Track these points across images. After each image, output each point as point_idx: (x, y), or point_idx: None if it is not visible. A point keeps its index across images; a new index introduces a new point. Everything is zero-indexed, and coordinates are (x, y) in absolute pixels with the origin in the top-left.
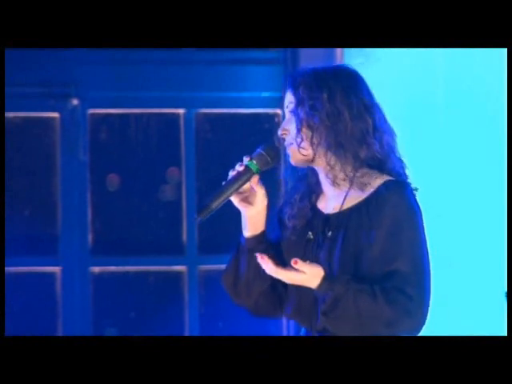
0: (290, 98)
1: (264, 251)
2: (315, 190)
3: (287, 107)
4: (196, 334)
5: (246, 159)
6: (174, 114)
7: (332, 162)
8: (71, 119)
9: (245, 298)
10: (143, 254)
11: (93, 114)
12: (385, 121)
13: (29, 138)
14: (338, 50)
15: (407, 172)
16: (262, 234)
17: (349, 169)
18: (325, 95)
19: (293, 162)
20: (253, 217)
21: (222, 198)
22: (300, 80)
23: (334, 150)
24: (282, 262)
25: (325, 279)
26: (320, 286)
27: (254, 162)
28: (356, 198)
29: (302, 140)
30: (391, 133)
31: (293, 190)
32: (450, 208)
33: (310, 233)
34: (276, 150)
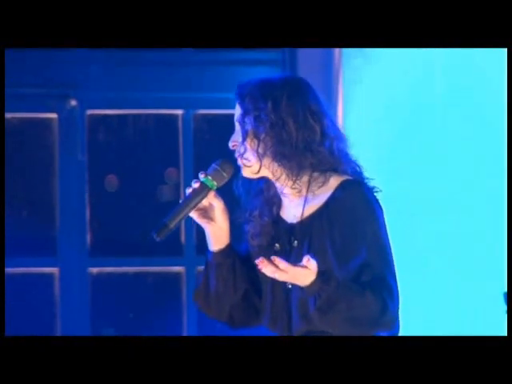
0: (237, 109)
1: (232, 264)
2: (275, 201)
3: (236, 119)
4: (194, 334)
5: (201, 176)
6: (172, 114)
7: (278, 173)
8: (69, 120)
9: (218, 313)
10: (141, 254)
11: (91, 115)
12: (335, 127)
13: (27, 138)
14: (337, 51)
15: (365, 173)
16: (228, 248)
17: (296, 177)
18: (269, 105)
19: (244, 174)
20: (215, 231)
21: (179, 217)
22: (246, 91)
23: (278, 160)
24: (253, 273)
25: (318, 275)
26: (314, 281)
27: (210, 177)
28: (315, 204)
29: (246, 151)
30: (342, 138)
31: (251, 207)
32: (450, 208)
33: (276, 245)
34: (230, 164)
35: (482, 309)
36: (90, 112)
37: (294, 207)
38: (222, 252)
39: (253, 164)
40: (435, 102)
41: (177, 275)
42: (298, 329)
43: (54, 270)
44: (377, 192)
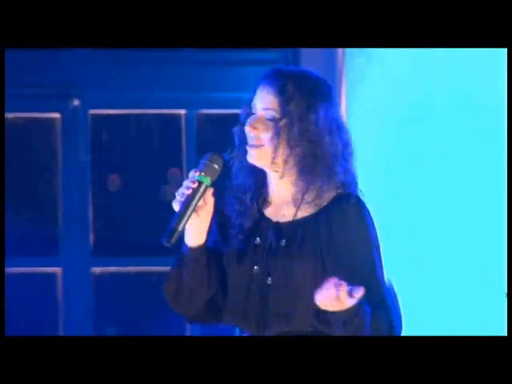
0: (269, 97)
1: (207, 261)
2: (261, 193)
3: (266, 108)
4: (197, 333)
5: (195, 174)
6: (174, 114)
7: (290, 175)
8: (72, 120)
9: (186, 307)
10: (144, 254)
11: (94, 115)
12: (349, 138)
13: (30, 138)
14: (340, 50)
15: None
16: (205, 244)
17: (309, 186)
18: (312, 117)
19: (252, 161)
20: (200, 227)
21: (185, 219)
22: (290, 88)
23: (302, 170)
24: (220, 269)
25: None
26: (353, 306)
27: (203, 174)
28: (309, 207)
29: (266, 145)
30: (353, 150)
31: (241, 187)
32: (450, 208)
33: (258, 238)
34: (218, 156)
35: (482, 309)
36: (92, 112)
37: (284, 206)
38: (201, 248)
39: (266, 155)
40: (436, 102)
41: None
42: (273, 327)
43: (57, 270)
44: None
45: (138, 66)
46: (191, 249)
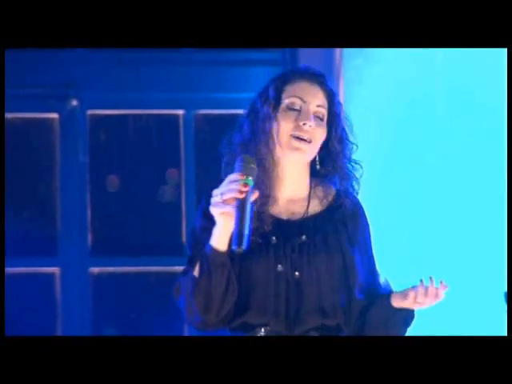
0: (322, 99)
1: (231, 266)
2: (261, 190)
3: (319, 106)
4: (195, 334)
5: (241, 177)
6: (173, 114)
7: (322, 171)
8: (71, 120)
9: (217, 312)
10: (142, 254)
11: (92, 115)
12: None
13: (28, 138)
14: (337, 51)
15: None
16: (229, 249)
17: (323, 181)
18: (342, 120)
19: (297, 155)
20: (228, 229)
21: (247, 222)
22: (333, 93)
23: (336, 169)
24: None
25: None
26: None
27: (249, 177)
28: (318, 203)
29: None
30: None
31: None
32: (450, 208)
33: (273, 238)
34: (250, 157)
35: (482, 309)
36: (91, 112)
37: (292, 204)
38: (227, 251)
39: (313, 151)
40: (435, 102)
41: (177, 275)
42: (306, 322)
43: (55, 270)
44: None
45: (136, 66)
46: (221, 253)
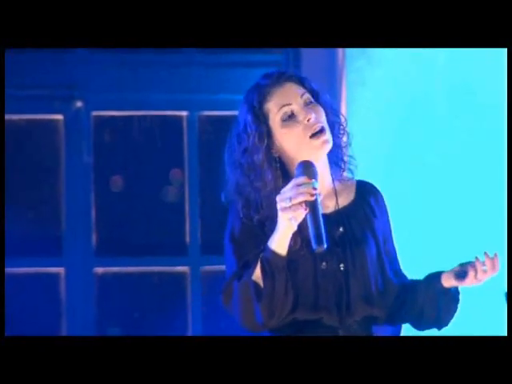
0: (299, 88)
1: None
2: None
3: (302, 95)
4: (199, 334)
5: (308, 181)
6: (177, 116)
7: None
8: (75, 121)
9: (277, 316)
10: (146, 254)
11: (97, 116)
12: None
13: (33, 140)
14: (340, 53)
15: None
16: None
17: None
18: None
19: (324, 148)
20: (290, 233)
21: (321, 221)
22: (298, 77)
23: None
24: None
25: None
26: None
27: (313, 179)
28: (345, 196)
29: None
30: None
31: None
32: (451, 207)
33: None
34: (308, 161)
35: (482, 309)
36: (95, 113)
37: (324, 200)
38: (287, 255)
39: (330, 136)
40: (436, 102)
41: (181, 275)
42: (357, 311)
43: (60, 270)
44: None
45: (140, 67)
46: (282, 257)
